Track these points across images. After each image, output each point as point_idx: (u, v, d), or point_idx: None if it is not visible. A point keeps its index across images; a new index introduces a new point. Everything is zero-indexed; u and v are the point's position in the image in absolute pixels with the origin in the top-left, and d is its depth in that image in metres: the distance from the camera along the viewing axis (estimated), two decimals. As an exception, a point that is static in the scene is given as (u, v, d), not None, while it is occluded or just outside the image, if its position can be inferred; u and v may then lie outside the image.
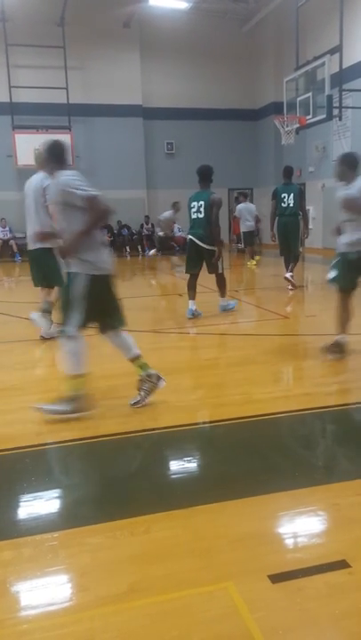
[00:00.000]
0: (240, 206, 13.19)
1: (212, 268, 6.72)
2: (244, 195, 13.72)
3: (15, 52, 16.61)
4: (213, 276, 6.81)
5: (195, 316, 6.61)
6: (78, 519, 2.37)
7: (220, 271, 6.77)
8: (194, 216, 6.67)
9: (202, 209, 6.59)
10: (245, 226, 13.08)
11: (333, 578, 1.93)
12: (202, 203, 6.60)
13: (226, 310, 6.97)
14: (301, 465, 2.87)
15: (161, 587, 1.92)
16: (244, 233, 13.36)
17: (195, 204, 6.69)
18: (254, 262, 13.07)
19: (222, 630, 1.70)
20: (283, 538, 2.24)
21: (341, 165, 4.68)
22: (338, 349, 4.71)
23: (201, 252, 6.61)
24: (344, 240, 4.61)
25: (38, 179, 5.39)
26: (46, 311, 5.66)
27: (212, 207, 6.54)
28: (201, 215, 6.59)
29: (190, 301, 6.68)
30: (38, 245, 5.28)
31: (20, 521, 2.44)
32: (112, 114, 17.73)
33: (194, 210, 6.69)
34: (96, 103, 17.67)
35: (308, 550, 2.12)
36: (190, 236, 6.66)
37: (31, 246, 5.48)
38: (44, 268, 5.54)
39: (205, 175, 6.77)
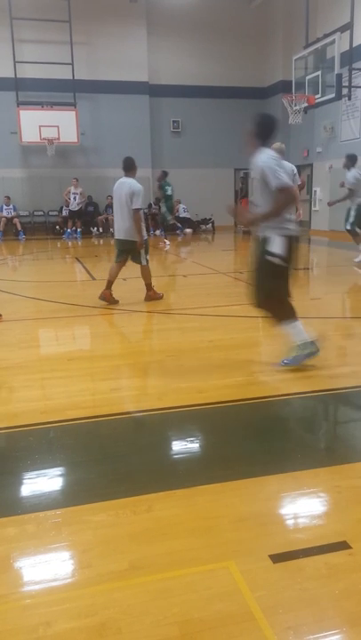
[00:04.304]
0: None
1: None
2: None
3: (20, 27, 16.33)
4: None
5: None
6: (81, 497, 2.39)
7: None
8: None
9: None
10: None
11: (334, 558, 1.95)
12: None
13: None
14: (304, 447, 2.88)
15: (162, 565, 1.94)
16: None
17: None
18: None
19: (223, 608, 1.72)
20: (284, 518, 2.25)
21: None
22: None
23: None
24: None
25: (289, 166, 7.07)
26: None
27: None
28: None
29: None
30: None
31: (23, 498, 2.46)
32: (118, 90, 17.49)
33: None
34: (102, 79, 17.42)
35: (308, 531, 2.13)
36: None
37: None
38: None
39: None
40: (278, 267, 3.75)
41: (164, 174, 13.65)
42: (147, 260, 6.55)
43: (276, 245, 3.69)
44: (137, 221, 6.21)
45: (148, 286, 6.70)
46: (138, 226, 6.23)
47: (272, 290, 3.88)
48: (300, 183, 8.02)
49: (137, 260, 6.51)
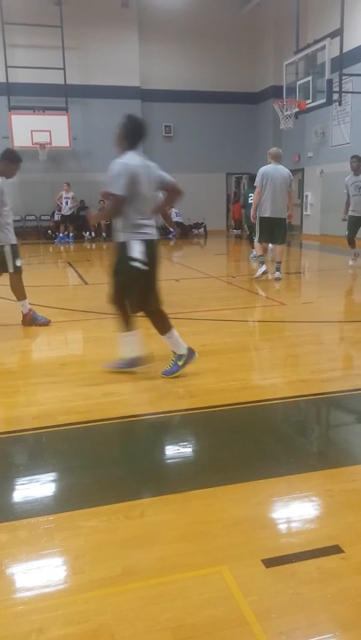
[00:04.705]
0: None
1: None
2: None
3: (12, 31, 16.34)
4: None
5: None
6: (74, 502, 2.38)
7: None
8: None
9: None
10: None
11: (326, 563, 1.95)
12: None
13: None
14: (296, 451, 2.89)
15: (155, 570, 1.93)
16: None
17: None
18: None
19: (216, 613, 1.72)
20: (277, 523, 2.26)
21: None
22: None
23: None
24: None
25: (286, 171, 8.15)
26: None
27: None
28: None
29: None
30: (282, 215, 8.18)
31: (15, 504, 2.45)
32: (110, 95, 17.51)
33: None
34: (93, 84, 17.45)
35: (301, 535, 2.14)
36: None
37: (276, 215, 8.13)
38: (284, 230, 8.33)
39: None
40: (139, 271, 3.75)
41: None
42: None
43: (135, 250, 3.72)
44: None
45: None
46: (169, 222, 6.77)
47: (132, 294, 3.90)
48: (293, 189, 8.38)
49: None
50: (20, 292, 5.69)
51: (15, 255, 5.54)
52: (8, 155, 5.44)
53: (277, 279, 8.28)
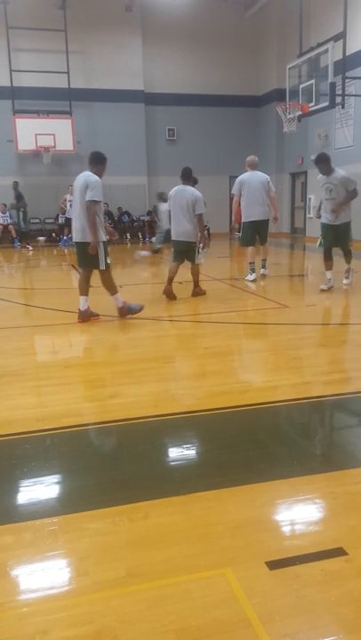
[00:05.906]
0: None
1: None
2: None
3: (16, 35, 16.43)
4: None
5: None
6: (78, 504, 2.39)
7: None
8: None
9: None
10: None
11: (330, 565, 1.95)
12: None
13: None
14: (299, 453, 2.89)
15: (159, 572, 1.94)
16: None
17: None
18: None
19: (220, 616, 1.72)
20: (280, 525, 2.26)
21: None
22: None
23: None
24: None
25: (263, 176, 8.54)
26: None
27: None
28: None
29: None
30: (263, 217, 8.62)
31: (20, 506, 2.45)
32: (113, 99, 17.58)
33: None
34: (97, 88, 17.52)
35: (305, 538, 2.14)
36: None
37: (257, 218, 8.55)
38: (265, 230, 8.84)
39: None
40: None
41: (16, 184, 15.65)
42: (198, 260, 7.30)
43: None
44: (200, 224, 7.02)
45: (196, 283, 7.36)
46: (201, 227, 7.08)
47: None
48: (273, 191, 8.75)
49: (191, 259, 7.21)
50: (111, 287, 5.97)
51: (107, 253, 5.81)
52: (102, 159, 5.81)
53: (263, 275, 8.85)
